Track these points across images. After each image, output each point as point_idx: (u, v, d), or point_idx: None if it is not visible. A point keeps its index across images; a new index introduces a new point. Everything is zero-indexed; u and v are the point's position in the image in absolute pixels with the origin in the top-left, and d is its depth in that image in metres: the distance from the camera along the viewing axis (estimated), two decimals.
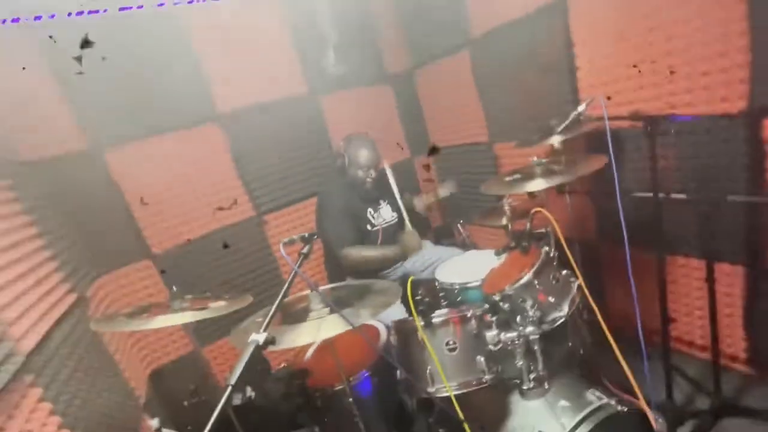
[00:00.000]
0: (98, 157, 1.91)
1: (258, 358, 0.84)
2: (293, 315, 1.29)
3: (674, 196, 1.54)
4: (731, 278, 1.56)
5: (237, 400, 1.80)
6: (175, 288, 1.31)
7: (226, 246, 2.08)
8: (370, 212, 2.12)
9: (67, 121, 1.83)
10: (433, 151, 2.59)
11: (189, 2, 1.99)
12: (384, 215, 2.16)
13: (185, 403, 2.02)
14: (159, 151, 2.04)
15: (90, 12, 1.70)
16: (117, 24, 1.78)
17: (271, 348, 0.81)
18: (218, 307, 1.29)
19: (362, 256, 1.96)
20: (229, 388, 0.71)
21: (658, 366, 1.61)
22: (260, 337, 0.79)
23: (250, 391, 1.88)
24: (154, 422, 1.84)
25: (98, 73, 1.62)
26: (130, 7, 1.80)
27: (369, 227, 2.09)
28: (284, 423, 1.55)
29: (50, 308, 1.40)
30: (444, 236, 2.86)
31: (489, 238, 2.70)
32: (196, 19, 2.05)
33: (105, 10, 1.72)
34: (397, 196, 2.05)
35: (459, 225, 2.63)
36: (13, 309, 1.20)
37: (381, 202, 2.17)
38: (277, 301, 0.88)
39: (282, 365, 1.69)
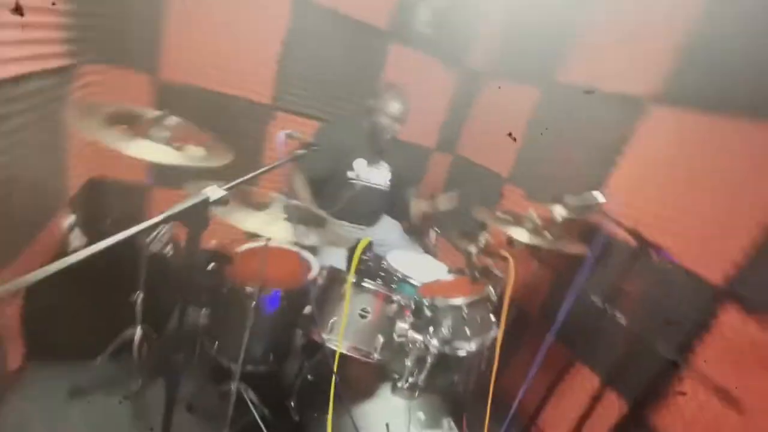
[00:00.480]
0: None
1: (202, 215, 0.84)
2: (252, 204, 1.30)
3: (617, 315, 1.62)
4: (612, 408, 1.67)
5: (156, 248, 1.81)
6: (163, 111, 1.27)
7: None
8: (361, 162, 2.07)
9: None
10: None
11: None
12: (375, 175, 2.12)
13: (108, 221, 2.01)
14: None
15: None
16: None
17: (218, 210, 0.82)
18: (194, 154, 1.28)
19: (293, 188, 1.92)
20: (162, 217, 0.72)
21: None
22: (216, 193, 0.79)
23: (170, 249, 1.89)
24: (70, 219, 1.83)
25: None
26: None
27: (349, 173, 2.04)
28: (182, 292, 1.58)
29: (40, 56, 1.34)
30: (415, 232, 2.91)
31: (449, 257, 2.76)
32: None
33: None
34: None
35: (433, 231, 2.68)
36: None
37: (381, 162, 2.15)
38: (250, 174, 0.88)
39: (213, 242, 1.69)
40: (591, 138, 1.98)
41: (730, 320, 1.38)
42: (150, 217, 0.70)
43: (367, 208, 2.11)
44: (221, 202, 0.80)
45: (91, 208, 1.97)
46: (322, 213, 1.33)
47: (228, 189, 0.80)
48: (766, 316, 1.29)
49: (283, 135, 0.94)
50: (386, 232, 2.26)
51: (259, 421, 1.39)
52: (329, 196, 2.00)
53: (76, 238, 1.79)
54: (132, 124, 1.32)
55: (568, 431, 1.64)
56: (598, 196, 1.53)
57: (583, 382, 1.82)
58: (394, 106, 1.97)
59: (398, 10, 2.36)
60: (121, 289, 1.52)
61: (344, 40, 2.29)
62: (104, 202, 2.06)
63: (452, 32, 2.53)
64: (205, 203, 0.80)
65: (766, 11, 1.40)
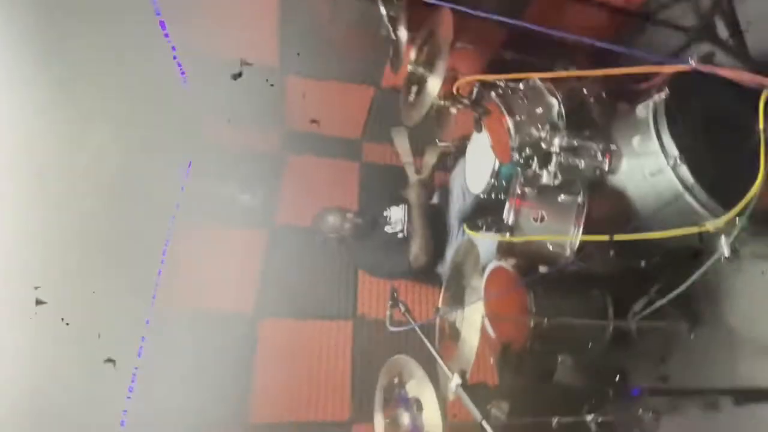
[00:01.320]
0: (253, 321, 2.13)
1: (472, 389, 0.97)
2: (453, 335, 1.42)
3: None
4: None
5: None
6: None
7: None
8: (388, 229, 2.19)
9: None
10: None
11: None
12: (396, 217, 2.21)
13: None
14: (308, 334, 2.27)
15: None
16: None
17: (468, 374, 0.94)
18: (417, 388, 1.42)
19: (418, 246, 2.03)
20: (483, 421, 0.84)
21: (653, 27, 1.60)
22: (457, 379, 0.92)
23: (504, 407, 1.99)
24: None
25: None
26: None
27: (401, 236, 2.16)
28: (542, 384, 1.67)
29: None
30: (445, 163, 2.92)
31: (463, 125, 2.74)
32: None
33: None
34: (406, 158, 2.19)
35: (440, 144, 2.68)
36: None
37: (384, 214, 2.23)
38: (435, 353, 1.00)
39: (491, 361, 1.81)
40: None
41: None
42: None
43: (438, 231, 2.19)
44: (463, 375, 0.92)
45: None
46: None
47: (452, 370, 0.92)
48: None
49: (390, 326, 1.07)
50: (450, 193, 2.31)
51: None
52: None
53: None
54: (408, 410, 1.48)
55: None
56: None
57: None
58: (330, 219, 2.18)
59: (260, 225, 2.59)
60: None
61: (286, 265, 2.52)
62: None
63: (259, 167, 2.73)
64: (466, 387, 0.92)
65: None
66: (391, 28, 1.61)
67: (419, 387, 1.39)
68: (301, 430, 2.17)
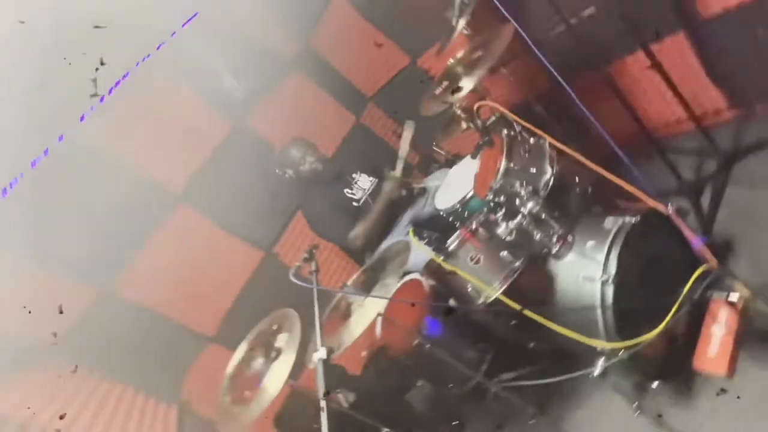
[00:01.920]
0: (114, 295, 2.04)
1: (332, 367, 0.98)
2: (343, 314, 1.43)
3: (585, 13, 1.55)
4: (675, 49, 1.59)
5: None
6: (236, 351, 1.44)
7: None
8: (347, 192, 2.18)
9: None
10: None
11: None
12: (362, 185, 2.22)
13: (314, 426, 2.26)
14: (154, 257, 2.13)
15: None
16: None
17: (334, 355, 0.95)
18: (287, 340, 1.42)
19: (362, 231, 2.05)
20: (322, 402, 0.85)
21: (659, 162, 1.71)
22: (322, 353, 0.92)
23: (351, 396, 2.07)
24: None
25: None
26: None
27: (355, 204, 2.17)
28: (394, 395, 1.75)
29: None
30: (428, 166, 2.92)
31: (468, 143, 2.75)
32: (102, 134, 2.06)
33: None
34: (402, 154, 2.13)
35: (435, 148, 2.68)
36: None
37: (353, 175, 2.23)
38: (316, 320, 1.00)
39: (363, 354, 1.86)
40: None
41: None
42: None
43: (388, 223, 2.18)
44: (331, 351, 0.92)
45: None
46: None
47: (322, 343, 0.92)
48: None
49: (292, 276, 1.05)
50: (418, 195, 2.31)
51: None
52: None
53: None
54: (243, 379, 1.50)
55: (672, 102, 1.58)
56: None
57: (634, 65, 1.74)
58: (293, 152, 2.09)
59: (220, 105, 2.42)
60: None
61: (231, 166, 2.38)
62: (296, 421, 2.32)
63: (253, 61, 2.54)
64: (327, 364, 0.93)
65: None
66: (457, 14, 1.54)
67: (288, 342, 1.39)
68: (163, 324, 2.11)
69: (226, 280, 2.32)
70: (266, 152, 2.41)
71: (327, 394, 0.89)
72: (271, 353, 1.44)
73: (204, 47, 2.40)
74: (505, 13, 1.36)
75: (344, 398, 1.50)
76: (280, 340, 1.50)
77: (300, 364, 1.46)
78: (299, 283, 1.04)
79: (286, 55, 2.69)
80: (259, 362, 1.46)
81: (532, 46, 1.34)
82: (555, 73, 1.34)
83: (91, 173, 1.98)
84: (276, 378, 1.29)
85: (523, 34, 1.35)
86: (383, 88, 2.79)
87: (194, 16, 2.26)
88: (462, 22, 1.59)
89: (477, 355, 1.64)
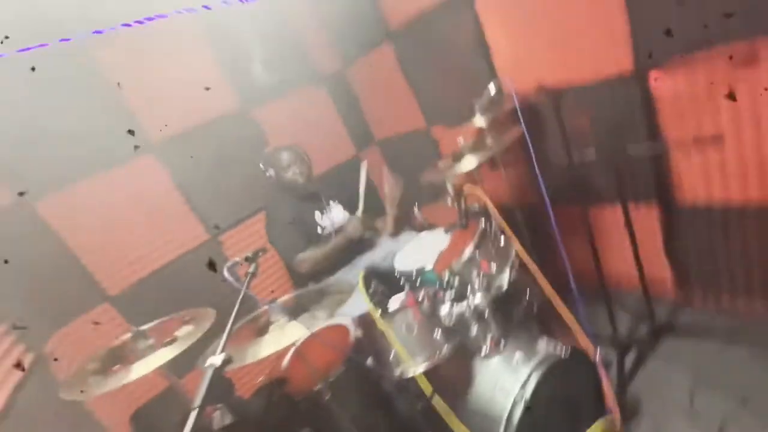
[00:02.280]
0: (31, 209, 1.85)
1: (222, 380, 0.89)
2: (262, 328, 1.34)
3: (585, 154, 1.70)
4: (647, 218, 1.75)
5: (221, 423, 1.84)
6: (135, 329, 1.31)
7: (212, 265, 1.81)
8: (317, 216, 2.16)
9: None
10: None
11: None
12: (334, 217, 2.20)
13: None
14: (95, 193, 1.99)
15: None
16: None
17: (229, 367, 0.87)
18: (188, 333, 1.31)
19: (313, 258, 2.01)
20: (194, 412, 0.76)
21: (602, 307, 1.81)
22: (217, 360, 0.84)
23: (228, 418, 1.90)
24: None
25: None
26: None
27: (319, 230, 2.14)
28: None
29: (7, 374, 1.37)
30: (402, 225, 2.97)
31: (444, 216, 2.82)
32: (108, 53, 2.00)
33: None
34: (361, 193, 2.12)
35: (415, 209, 2.74)
36: None
37: (330, 202, 2.22)
38: (229, 324, 0.92)
39: (260, 379, 1.73)
40: (455, 46, 2.06)
41: (661, 86, 1.46)
42: None
43: (341, 260, 2.16)
44: (227, 362, 0.84)
45: None
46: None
47: (222, 350, 0.85)
48: (680, 61, 1.37)
49: (225, 271, 0.99)
50: (381, 245, 2.31)
51: None
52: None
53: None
54: (120, 355, 1.35)
55: (631, 261, 1.71)
56: (494, 86, 1.62)
57: (610, 218, 1.89)
58: (283, 156, 2.07)
59: (235, 85, 2.42)
60: None
61: (218, 141, 2.34)
62: (155, 425, 2.08)
63: (288, 63, 2.60)
64: (218, 374, 0.84)
65: None
66: (483, 107, 1.66)
67: (188, 335, 1.28)
68: (69, 262, 1.97)
69: (156, 246, 2.16)
70: (258, 145, 2.38)
71: (203, 406, 0.80)
72: (164, 339, 1.32)
73: (249, 29, 2.45)
74: (522, 123, 1.47)
75: (220, 418, 1.36)
76: (182, 331, 1.38)
77: (190, 364, 1.35)
78: (230, 279, 0.97)
79: (320, 70, 2.77)
80: (147, 343, 1.33)
81: (534, 160, 1.43)
82: (544, 191, 1.43)
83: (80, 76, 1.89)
84: (150, 362, 1.18)
85: (530, 147, 1.45)
86: (392, 137, 2.89)
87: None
88: (483, 118, 1.71)
89: (373, 425, 1.56)
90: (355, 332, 1.58)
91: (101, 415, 1.74)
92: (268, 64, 2.53)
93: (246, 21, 2.42)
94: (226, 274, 0.97)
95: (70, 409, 1.57)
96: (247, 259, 1.09)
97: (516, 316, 1.58)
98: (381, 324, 1.31)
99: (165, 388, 2.15)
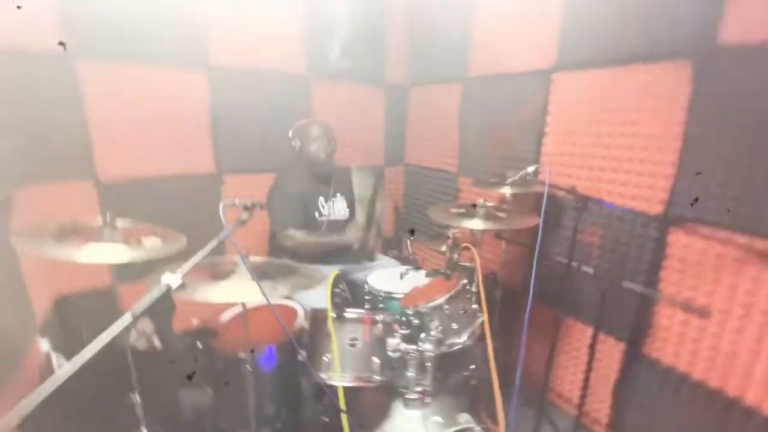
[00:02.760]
0: (68, 62, 1.86)
1: (168, 302, 0.89)
2: (219, 274, 1.33)
3: (584, 268, 1.74)
4: (611, 352, 1.78)
5: (141, 345, 1.81)
6: (109, 214, 1.30)
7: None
8: (321, 201, 2.17)
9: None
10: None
11: None
12: (336, 208, 2.22)
13: (84, 334, 1.98)
14: (139, 80, 2.02)
15: None
16: None
17: (179, 293, 0.87)
18: (153, 246, 1.30)
19: (302, 240, 2.01)
20: (129, 316, 0.76)
21: (533, 412, 1.81)
22: (175, 280, 0.84)
23: (157, 342, 1.89)
24: (45, 345, 1.80)
25: None
26: None
27: (317, 215, 2.16)
28: (181, 378, 1.57)
29: None
30: (391, 248, 2.99)
31: (430, 260, 2.85)
32: None
33: None
34: (355, 195, 2.14)
35: (408, 240, 2.76)
36: None
37: (337, 194, 2.24)
38: (199, 252, 0.93)
39: (194, 321, 1.71)
40: (515, 117, 2.13)
41: (679, 241, 1.52)
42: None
43: (340, 250, 2.17)
44: (181, 287, 0.84)
45: (64, 328, 1.95)
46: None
47: (184, 274, 0.85)
48: (704, 228, 1.43)
49: (221, 206, 1.00)
50: (363, 255, 2.32)
51: None
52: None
53: (57, 361, 1.76)
54: (82, 233, 1.34)
55: (580, 385, 1.72)
56: (529, 168, 1.68)
57: (578, 335, 1.92)
58: (314, 129, 2.10)
59: (311, 52, 2.49)
60: (117, 397, 1.51)
61: (269, 92, 2.39)
62: (75, 317, 2.03)
63: (364, 57, 2.68)
64: (167, 292, 0.85)
65: None
66: (512, 180, 1.71)
67: (150, 247, 1.28)
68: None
69: (164, 156, 2.17)
70: (299, 114, 2.42)
71: (140, 316, 0.80)
72: (130, 240, 1.31)
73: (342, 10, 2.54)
74: (542, 214, 1.51)
75: (152, 335, 1.34)
76: (149, 241, 1.37)
77: (136, 276, 1.30)
78: (221, 217, 0.98)
79: (387, 78, 2.86)
80: (113, 234, 1.32)
81: (537, 251, 1.47)
82: (533, 280, 1.46)
83: None
84: (106, 252, 1.17)
85: (539, 238, 1.49)
86: (420, 166, 2.95)
87: None
88: (510, 191, 1.76)
89: (273, 416, 1.53)
90: (302, 321, 1.58)
91: (31, 285, 1.70)
92: (348, 51, 2.61)
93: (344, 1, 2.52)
94: (220, 209, 0.98)
95: (5, 266, 1.54)
96: (245, 207, 1.10)
97: (453, 380, 1.58)
98: (331, 325, 1.31)
99: (103, 287, 2.11)
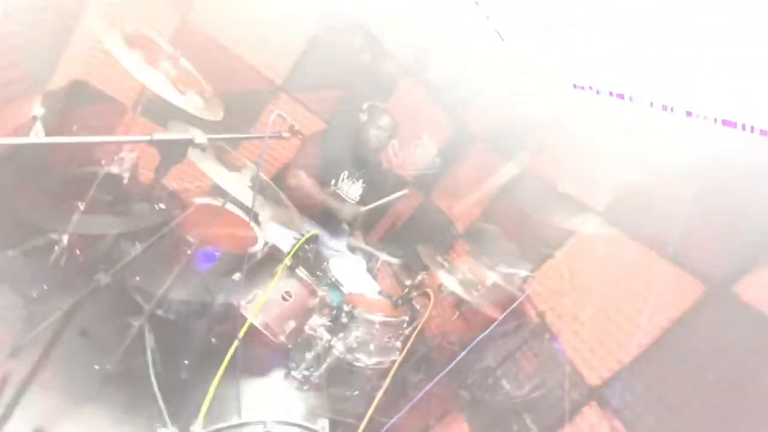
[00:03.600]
0: None
1: (180, 151, 0.92)
2: (226, 163, 1.37)
3: (503, 382, 1.78)
4: None
5: (115, 169, 1.81)
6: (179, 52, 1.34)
7: None
8: (344, 175, 2.20)
9: None
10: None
11: None
12: (353, 190, 2.24)
13: (74, 127, 1.96)
14: None
15: None
16: None
17: (195, 154, 0.90)
18: (193, 102, 1.34)
19: (306, 187, 2.02)
20: (146, 138, 0.80)
21: None
22: (200, 136, 0.88)
23: (127, 175, 1.88)
24: (39, 110, 1.80)
25: None
26: None
27: (333, 182, 2.18)
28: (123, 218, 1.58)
29: None
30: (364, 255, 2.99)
31: (388, 281, 2.86)
32: None
33: None
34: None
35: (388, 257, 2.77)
36: None
37: (361, 180, 2.26)
38: (228, 133, 0.97)
39: (174, 185, 1.73)
40: (538, 227, 2.19)
41: (590, 418, 1.56)
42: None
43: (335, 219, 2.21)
44: (202, 147, 0.88)
45: (64, 109, 1.94)
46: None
47: (212, 139, 0.89)
48: (620, 422, 1.48)
49: (275, 114, 1.05)
50: (341, 239, 2.34)
51: (150, 366, 1.39)
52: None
53: (37, 132, 1.76)
54: (149, 51, 1.37)
55: None
56: (525, 274, 1.74)
57: (454, 430, 1.93)
58: (384, 119, 2.15)
59: (421, 53, 2.55)
60: (64, 194, 1.51)
61: (362, 58, 2.44)
62: (78, 107, 2.02)
63: (457, 88, 2.73)
64: (188, 142, 0.88)
65: None
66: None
67: (198, 104, 1.31)
68: None
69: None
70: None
71: (152, 141, 0.83)
72: (178, 82, 1.34)
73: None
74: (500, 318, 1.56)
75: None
76: (191, 93, 1.40)
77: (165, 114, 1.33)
78: (272, 120, 1.03)
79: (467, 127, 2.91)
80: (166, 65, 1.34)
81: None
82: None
83: None
84: (149, 74, 1.17)
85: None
86: (439, 207, 2.98)
87: None
88: (495, 277, 1.81)
89: (176, 304, 1.54)
90: (258, 248, 1.60)
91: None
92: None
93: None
94: (272, 117, 1.02)
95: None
96: (291, 127, 1.14)
97: (340, 394, 1.59)
98: (281, 269, 1.35)
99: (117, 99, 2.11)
